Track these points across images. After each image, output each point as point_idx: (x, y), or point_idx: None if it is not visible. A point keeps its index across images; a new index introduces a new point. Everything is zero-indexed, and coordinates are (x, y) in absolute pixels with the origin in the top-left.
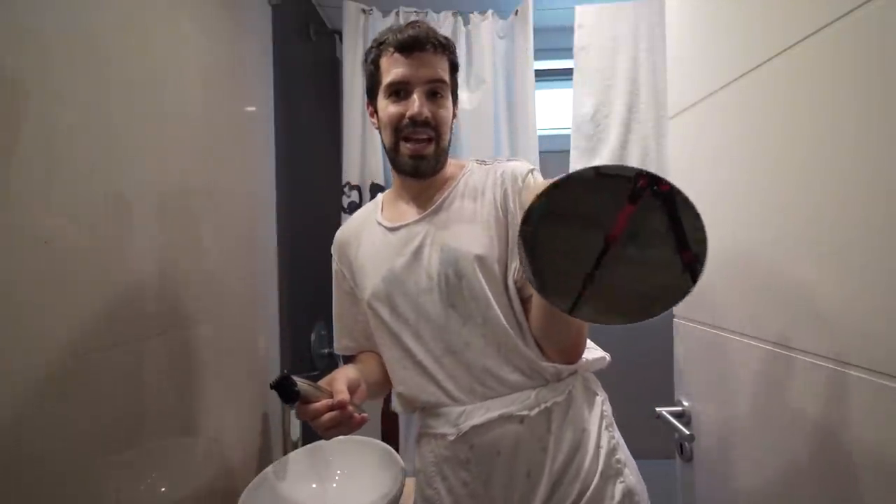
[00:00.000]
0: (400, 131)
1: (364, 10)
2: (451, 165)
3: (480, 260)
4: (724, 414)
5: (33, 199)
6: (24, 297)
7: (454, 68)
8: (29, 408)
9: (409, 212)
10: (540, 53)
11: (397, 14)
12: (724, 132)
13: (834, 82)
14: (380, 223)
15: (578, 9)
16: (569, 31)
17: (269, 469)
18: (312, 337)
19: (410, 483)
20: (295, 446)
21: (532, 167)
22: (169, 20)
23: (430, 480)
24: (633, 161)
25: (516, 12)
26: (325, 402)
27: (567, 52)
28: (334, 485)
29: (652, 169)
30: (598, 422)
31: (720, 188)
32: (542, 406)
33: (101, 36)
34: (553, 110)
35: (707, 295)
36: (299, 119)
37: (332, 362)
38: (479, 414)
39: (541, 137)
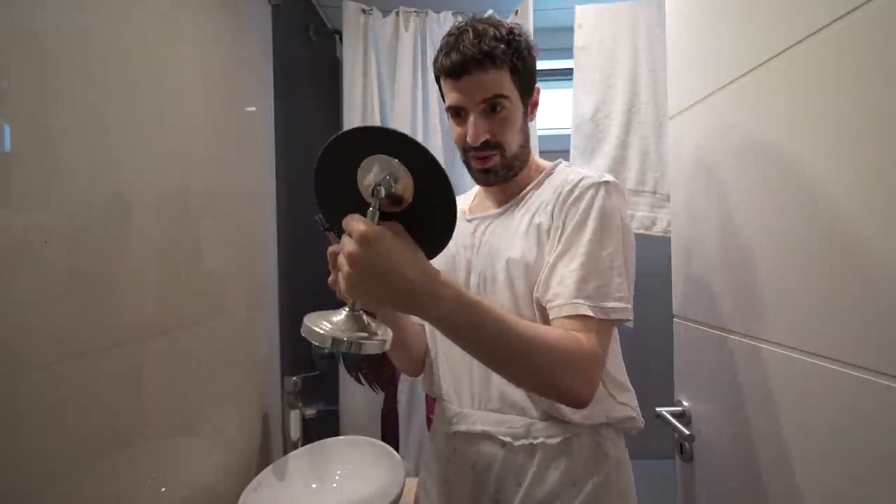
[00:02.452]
0: (466, 150)
1: (364, 10)
2: (535, 164)
3: (511, 265)
4: (724, 414)
5: (33, 199)
6: (23, 297)
7: (518, 67)
8: (28, 407)
9: (488, 207)
10: (540, 53)
11: (397, 14)
12: (724, 132)
13: (834, 82)
14: (463, 211)
15: (578, 8)
16: (569, 31)
17: (269, 469)
18: None
19: (411, 483)
20: (295, 446)
21: (604, 181)
22: (169, 20)
23: (428, 464)
24: (633, 160)
25: (516, 12)
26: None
27: (567, 52)
28: (334, 485)
29: (651, 168)
30: (599, 485)
31: (720, 188)
32: (529, 441)
33: (100, 36)
34: (553, 110)
35: (707, 295)
36: (299, 119)
37: (332, 362)
38: (467, 423)
39: (541, 137)
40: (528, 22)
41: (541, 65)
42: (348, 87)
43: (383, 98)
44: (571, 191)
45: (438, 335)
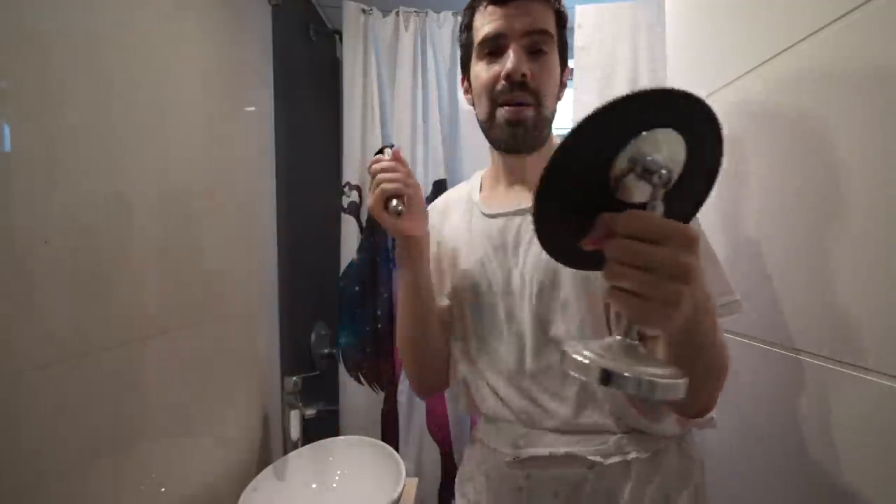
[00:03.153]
0: (495, 96)
1: (364, 10)
2: (555, 143)
3: (589, 281)
4: (725, 413)
5: (33, 199)
6: (23, 297)
7: (562, 20)
8: (28, 407)
9: (508, 198)
10: None
11: (397, 14)
12: (724, 132)
13: (834, 82)
14: (477, 204)
15: (578, 8)
16: (569, 31)
17: (269, 469)
18: (312, 337)
19: (410, 483)
20: (295, 446)
21: None
22: (169, 20)
23: (477, 496)
24: None
25: None
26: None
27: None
28: (334, 485)
29: None
30: (691, 494)
31: (719, 188)
32: (622, 458)
33: (101, 36)
34: None
35: None
36: (299, 119)
37: (332, 362)
38: (543, 443)
39: None
40: None
41: None
42: (348, 87)
43: (383, 98)
44: None
45: (477, 342)
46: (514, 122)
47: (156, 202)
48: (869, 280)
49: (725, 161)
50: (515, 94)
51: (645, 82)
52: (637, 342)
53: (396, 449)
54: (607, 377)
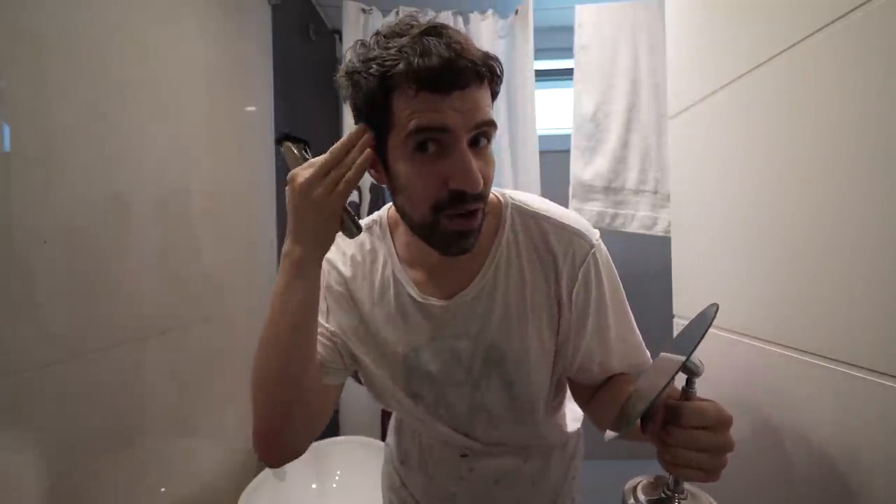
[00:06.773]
0: (440, 205)
1: (364, 10)
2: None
3: (535, 365)
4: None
5: (33, 199)
6: (23, 297)
7: (495, 96)
8: (29, 407)
9: (439, 280)
10: (540, 53)
11: (397, 13)
12: (724, 132)
13: (835, 82)
14: (401, 282)
15: (579, 8)
16: (569, 30)
17: (268, 469)
18: None
19: None
20: None
21: (594, 242)
22: (169, 20)
23: (410, 478)
24: (634, 160)
25: (516, 12)
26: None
27: (567, 51)
28: (334, 485)
29: (652, 168)
30: (579, 461)
31: (719, 188)
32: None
33: (100, 36)
34: (553, 110)
35: (707, 295)
36: (299, 119)
37: None
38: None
39: (541, 137)
40: (528, 21)
41: (541, 65)
42: None
43: None
44: (572, 265)
45: (434, 433)
46: (466, 232)
47: (155, 202)
48: (871, 279)
49: (726, 161)
50: (468, 204)
51: (645, 82)
52: (684, 494)
53: None
54: None
